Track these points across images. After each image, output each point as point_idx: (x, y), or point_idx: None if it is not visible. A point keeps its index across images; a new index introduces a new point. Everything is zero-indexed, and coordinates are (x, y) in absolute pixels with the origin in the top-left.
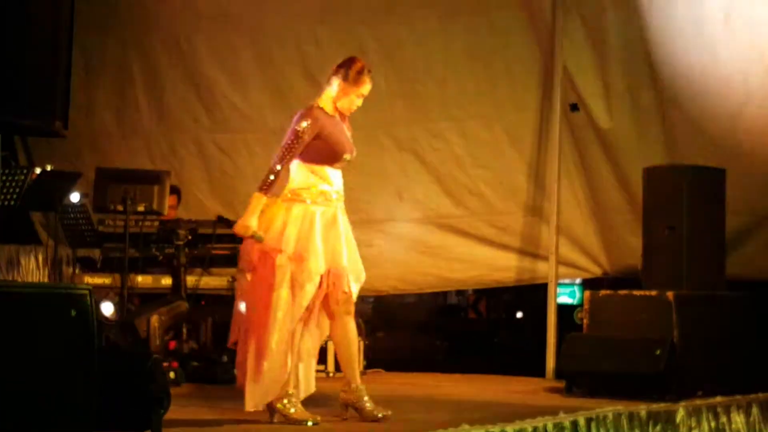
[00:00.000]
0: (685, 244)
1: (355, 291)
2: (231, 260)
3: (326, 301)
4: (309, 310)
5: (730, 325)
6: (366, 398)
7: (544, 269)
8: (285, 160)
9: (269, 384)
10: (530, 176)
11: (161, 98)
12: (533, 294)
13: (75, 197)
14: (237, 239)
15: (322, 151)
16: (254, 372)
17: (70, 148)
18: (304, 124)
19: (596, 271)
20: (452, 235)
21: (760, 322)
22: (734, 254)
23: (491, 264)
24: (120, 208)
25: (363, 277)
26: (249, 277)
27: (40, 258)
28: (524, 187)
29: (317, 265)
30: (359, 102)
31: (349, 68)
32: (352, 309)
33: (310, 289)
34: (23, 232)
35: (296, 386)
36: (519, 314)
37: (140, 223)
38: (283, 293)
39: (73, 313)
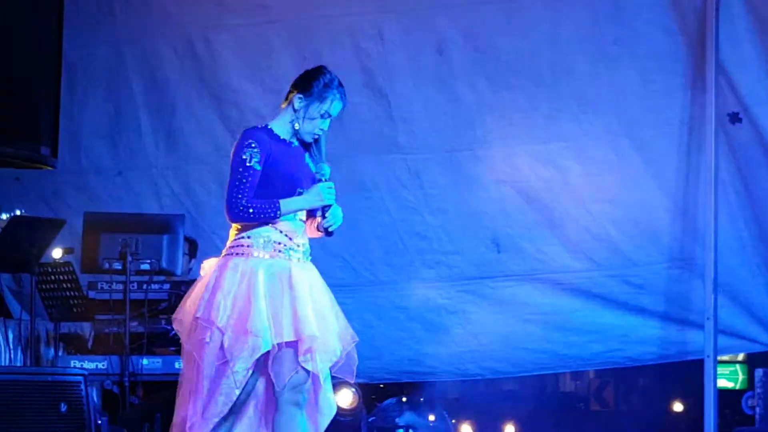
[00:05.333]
0: None
1: (320, 371)
2: None
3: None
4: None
5: None
6: None
7: (697, 340)
8: (242, 196)
9: None
10: (676, 213)
11: (170, 120)
12: (683, 376)
13: (56, 253)
14: None
15: (265, 186)
16: None
17: (48, 188)
18: (248, 150)
19: None
20: (569, 296)
21: None
22: None
23: (623, 335)
24: (117, 266)
25: (336, 355)
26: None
27: (10, 335)
28: (668, 229)
29: (260, 338)
30: (325, 125)
31: (311, 80)
32: (303, 399)
33: (241, 368)
34: None
35: None
36: (678, 406)
37: (145, 287)
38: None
39: (64, 407)
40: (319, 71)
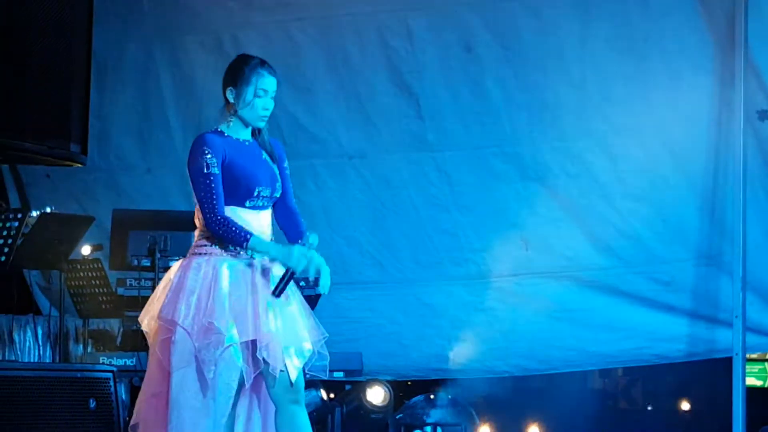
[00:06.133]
0: None
1: (293, 369)
2: None
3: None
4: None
5: None
6: None
7: (726, 338)
8: (216, 206)
9: None
10: (704, 210)
11: (199, 117)
12: (710, 374)
13: (85, 250)
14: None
15: (225, 186)
16: None
17: (77, 185)
18: (202, 158)
19: None
20: (597, 293)
21: None
22: None
23: (651, 332)
24: (146, 263)
25: (308, 351)
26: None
27: (40, 332)
28: (696, 226)
29: (223, 335)
30: (268, 104)
31: (233, 71)
32: (299, 395)
33: (226, 366)
34: (17, 298)
35: None
36: (685, 405)
37: None
38: (186, 374)
39: (93, 404)
40: (238, 59)
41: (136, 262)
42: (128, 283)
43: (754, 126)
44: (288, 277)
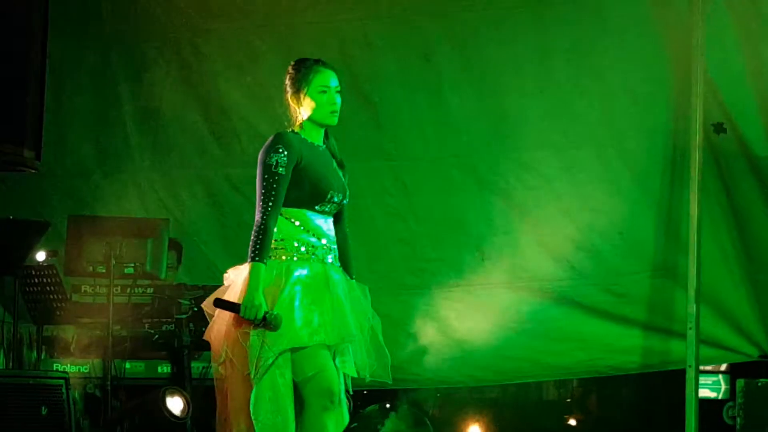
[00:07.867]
0: None
1: (350, 372)
2: None
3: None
4: None
5: None
6: None
7: (680, 350)
8: (269, 210)
9: None
10: (659, 223)
11: (156, 124)
12: (664, 385)
13: (40, 256)
14: None
15: (298, 188)
16: None
17: (33, 191)
18: (276, 155)
19: (751, 352)
20: (553, 304)
21: None
22: None
23: (607, 344)
24: (101, 270)
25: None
26: (222, 370)
27: None
28: (651, 238)
29: (284, 337)
30: (335, 98)
31: (291, 78)
32: (331, 399)
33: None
34: None
35: None
36: (638, 416)
37: (129, 291)
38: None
39: (44, 410)
40: (292, 67)
41: (91, 269)
42: (83, 289)
43: (709, 139)
44: (233, 309)
